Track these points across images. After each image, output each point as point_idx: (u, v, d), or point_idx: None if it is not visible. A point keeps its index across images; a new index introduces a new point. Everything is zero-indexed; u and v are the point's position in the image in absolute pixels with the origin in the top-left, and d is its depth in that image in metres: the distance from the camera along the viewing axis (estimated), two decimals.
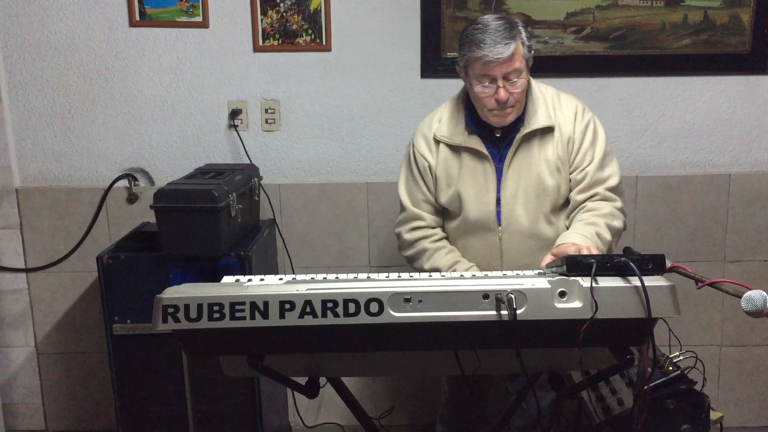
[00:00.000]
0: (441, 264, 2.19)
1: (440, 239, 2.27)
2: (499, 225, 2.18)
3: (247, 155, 2.92)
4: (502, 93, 2.05)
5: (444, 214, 2.31)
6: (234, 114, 2.91)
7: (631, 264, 1.47)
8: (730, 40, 2.83)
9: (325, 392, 1.85)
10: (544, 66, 2.81)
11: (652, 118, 2.93)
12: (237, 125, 2.92)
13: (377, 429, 1.88)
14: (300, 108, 2.92)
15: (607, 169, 2.18)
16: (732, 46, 2.84)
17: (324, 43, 2.86)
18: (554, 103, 2.19)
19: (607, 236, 2.06)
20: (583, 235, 2.01)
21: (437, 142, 2.22)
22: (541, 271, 1.76)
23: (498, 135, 2.17)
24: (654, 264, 1.51)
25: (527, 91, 2.17)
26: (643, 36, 2.83)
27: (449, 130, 2.21)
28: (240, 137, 2.92)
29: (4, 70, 2.88)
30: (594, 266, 1.47)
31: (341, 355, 1.66)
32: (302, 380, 1.75)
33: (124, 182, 2.95)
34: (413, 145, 2.28)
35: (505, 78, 2.04)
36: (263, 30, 2.85)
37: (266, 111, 2.92)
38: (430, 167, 2.24)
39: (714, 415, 2.25)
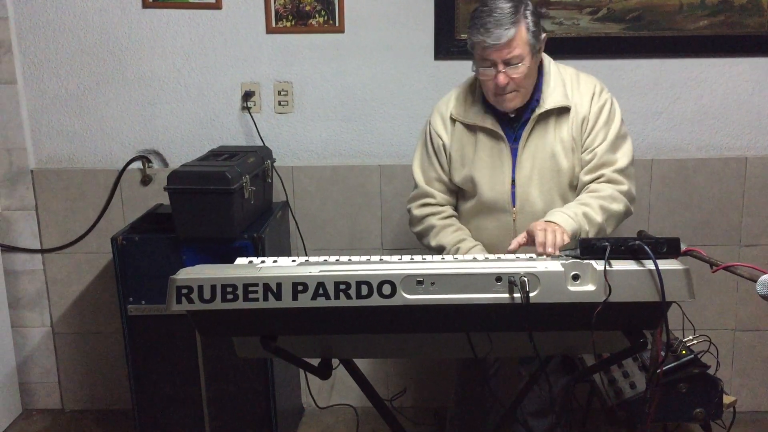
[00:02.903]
0: (446, 241, 2.19)
1: (448, 217, 2.27)
2: (514, 206, 2.18)
3: (260, 137, 2.92)
4: (500, 78, 2.03)
5: (458, 194, 2.31)
6: (247, 96, 2.91)
7: (646, 247, 1.46)
8: (749, 21, 2.79)
9: (338, 374, 1.86)
10: (560, 47, 2.77)
11: (668, 100, 2.89)
12: (250, 107, 2.92)
13: (389, 410, 1.89)
14: (313, 90, 2.92)
15: (618, 152, 2.15)
16: (750, 27, 2.79)
17: (337, 24, 2.84)
18: (572, 83, 2.16)
19: (597, 218, 2.03)
20: (567, 214, 1.99)
21: (453, 121, 2.22)
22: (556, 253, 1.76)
23: (512, 116, 2.16)
24: (669, 247, 1.50)
25: (543, 71, 2.15)
26: (660, 17, 2.79)
27: (465, 109, 2.21)
28: (253, 119, 2.92)
29: (18, 51, 2.89)
30: (608, 249, 1.47)
31: (354, 337, 1.66)
32: (315, 361, 1.76)
33: (137, 164, 2.96)
34: (429, 123, 2.28)
35: (506, 63, 2.02)
36: (276, 11, 2.84)
37: (279, 93, 2.92)
38: (444, 146, 2.24)
39: (727, 400, 2.24)
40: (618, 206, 2.10)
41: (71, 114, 2.96)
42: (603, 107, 2.15)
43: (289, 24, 2.85)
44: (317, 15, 2.84)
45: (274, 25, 2.85)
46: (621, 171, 2.13)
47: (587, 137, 2.14)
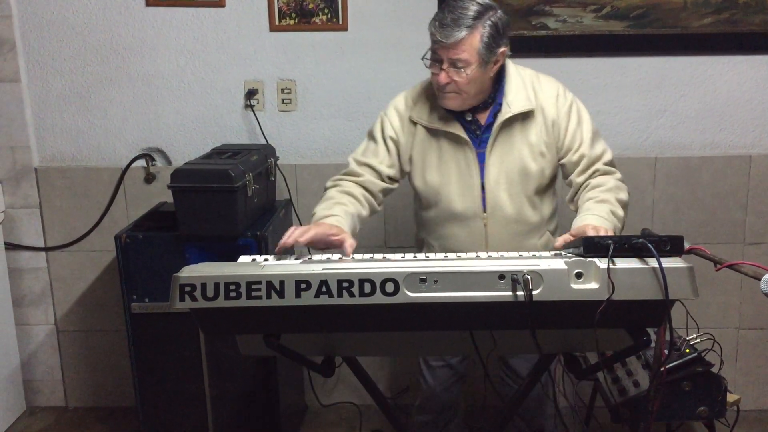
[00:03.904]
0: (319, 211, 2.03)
1: (346, 193, 2.10)
2: (484, 212, 2.13)
3: (264, 135, 2.92)
4: (441, 76, 1.99)
5: (419, 201, 2.24)
6: (250, 94, 2.91)
7: (649, 245, 1.46)
8: (753, 18, 2.78)
9: (341, 371, 1.86)
10: (563, 46, 2.78)
11: (672, 98, 2.89)
12: (253, 105, 2.92)
13: (392, 408, 1.89)
14: (316, 88, 2.92)
15: (598, 146, 2.13)
16: (755, 25, 2.79)
17: (340, 22, 2.84)
18: (534, 85, 2.11)
19: (620, 212, 2.01)
20: (599, 215, 1.95)
21: (414, 123, 2.15)
22: (558, 251, 1.76)
23: (469, 119, 2.10)
24: (672, 245, 1.50)
25: (503, 74, 2.10)
26: (664, 14, 2.78)
27: (427, 112, 2.14)
28: (256, 117, 2.92)
29: (22, 49, 2.89)
30: (611, 247, 1.46)
31: (357, 335, 1.66)
32: (318, 359, 1.76)
33: (141, 162, 2.96)
34: (386, 115, 2.19)
35: (452, 63, 1.97)
36: (279, 9, 2.84)
37: (282, 91, 2.92)
38: (396, 142, 2.16)
39: (731, 398, 2.24)
40: (624, 195, 2.08)
41: (75, 112, 2.96)
42: (571, 108, 2.11)
43: (292, 22, 2.85)
44: (320, 13, 2.83)
45: (277, 23, 2.85)
46: (610, 162, 2.13)
47: (563, 140, 2.11)
